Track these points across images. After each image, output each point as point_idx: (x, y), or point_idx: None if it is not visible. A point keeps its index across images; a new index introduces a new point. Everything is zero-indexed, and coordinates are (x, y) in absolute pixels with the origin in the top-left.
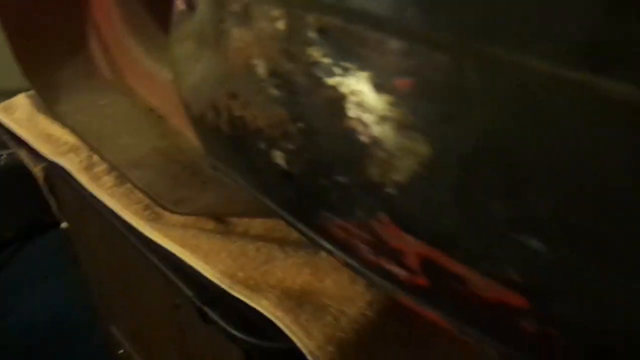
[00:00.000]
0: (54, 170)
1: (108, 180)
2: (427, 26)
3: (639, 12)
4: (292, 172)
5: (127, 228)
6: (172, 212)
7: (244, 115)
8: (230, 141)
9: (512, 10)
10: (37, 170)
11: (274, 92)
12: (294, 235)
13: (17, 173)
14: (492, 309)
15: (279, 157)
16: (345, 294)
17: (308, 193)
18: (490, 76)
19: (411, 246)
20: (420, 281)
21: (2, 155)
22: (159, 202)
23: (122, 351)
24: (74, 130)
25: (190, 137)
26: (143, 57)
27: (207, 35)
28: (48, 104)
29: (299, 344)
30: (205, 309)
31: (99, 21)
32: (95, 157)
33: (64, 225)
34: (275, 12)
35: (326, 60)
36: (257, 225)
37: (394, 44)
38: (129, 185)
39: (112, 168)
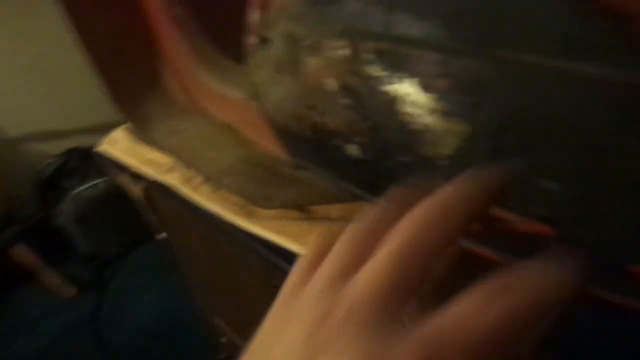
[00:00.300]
0: (155, 189)
1: (205, 189)
2: (452, 41)
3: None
4: (366, 159)
5: (227, 226)
6: (263, 207)
7: (323, 122)
8: (312, 143)
9: (507, 21)
10: (138, 191)
11: (345, 101)
12: None
13: (113, 198)
14: (528, 239)
15: (353, 149)
16: None
17: (380, 173)
18: (501, 72)
19: None
20: (473, 227)
21: (99, 183)
22: (251, 200)
23: (224, 339)
24: (169, 153)
25: (263, 144)
26: (211, 81)
27: (284, 64)
28: (144, 132)
29: None
30: None
31: (168, 54)
32: (191, 172)
33: (162, 236)
34: (340, 43)
35: (384, 74)
36: (335, 210)
37: (431, 56)
38: (223, 190)
39: (207, 179)
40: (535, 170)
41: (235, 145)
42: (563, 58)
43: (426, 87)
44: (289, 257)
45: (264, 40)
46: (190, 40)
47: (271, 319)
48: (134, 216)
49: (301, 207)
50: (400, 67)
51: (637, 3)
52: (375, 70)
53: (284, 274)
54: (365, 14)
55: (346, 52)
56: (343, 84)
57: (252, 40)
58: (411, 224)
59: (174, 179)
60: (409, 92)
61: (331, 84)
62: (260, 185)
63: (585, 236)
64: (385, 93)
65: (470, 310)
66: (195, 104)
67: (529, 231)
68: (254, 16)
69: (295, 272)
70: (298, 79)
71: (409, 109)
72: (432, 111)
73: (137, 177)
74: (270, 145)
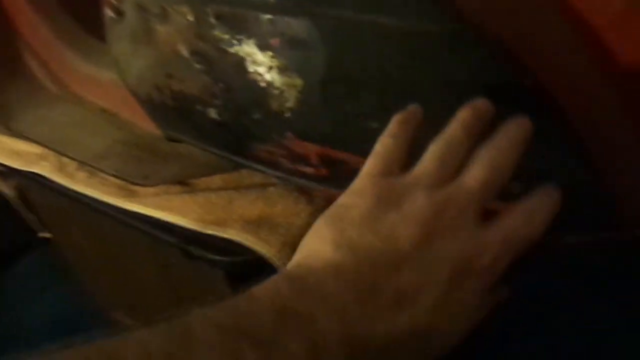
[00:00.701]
0: (28, 183)
1: (81, 175)
2: (278, 1)
3: None
4: (223, 121)
5: (109, 210)
6: (144, 185)
7: (181, 89)
8: (176, 112)
9: None
10: (10, 190)
11: (197, 66)
12: (248, 180)
13: None
14: None
15: (212, 113)
16: (292, 211)
17: (238, 133)
18: (320, 27)
19: (310, 149)
20: (323, 172)
21: None
22: (130, 180)
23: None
24: (37, 142)
25: (141, 125)
26: (81, 64)
27: (138, 34)
28: (8, 123)
29: (262, 252)
30: (189, 247)
31: (30, 41)
32: (64, 159)
33: (45, 235)
34: (184, 9)
35: (226, 36)
36: (216, 180)
37: (264, 17)
38: (100, 174)
39: (82, 164)
40: (362, 113)
41: (112, 128)
42: (371, 13)
43: (263, 47)
44: (176, 232)
45: (120, 13)
46: (52, 23)
47: (363, 199)
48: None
49: (182, 182)
50: (239, 28)
51: None
52: (219, 34)
53: (173, 250)
54: None
55: (190, 17)
56: (194, 49)
57: (108, 13)
58: (495, 151)
59: (44, 169)
60: (250, 52)
61: (183, 50)
62: (140, 165)
63: None
64: (231, 55)
65: (518, 222)
66: (66, 90)
67: None
68: None
69: (375, 163)
70: (154, 48)
71: (252, 68)
72: (271, 68)
73: (6, 173)
74: (147, 124)
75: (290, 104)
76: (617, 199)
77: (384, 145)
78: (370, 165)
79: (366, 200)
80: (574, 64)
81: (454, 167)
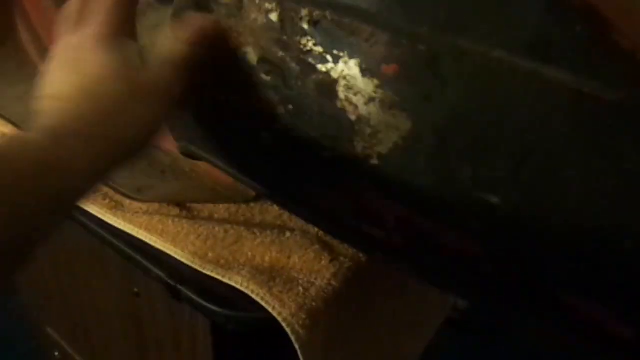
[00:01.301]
0: None
1: None
2: (408, 21)
3: (573, 13)
4: (277, 151)
5: (85, 218)
6: (135, 199)
7: (231, 100)
8: (211, 125)
9: (477, 9)
10: None
11: (265, 77)
12: (259, 217)
13: None
14: (456, 258)
15: (266, 139)
16: (312, 268)
17: (294, 169)
18: (459, 63)
19: (391, 209)
20: (395, 240)
21: None
22: (119, 190)
23: (57, 353)
24: (10, 121)
25: None
26: None
27: None
28: None
29: (274, 313)
30: (178, 286)
31: (28, 10)
32: None
33: None
34: (269, 5)
35: (319, 49)
36: (221, 210)
37: (381, 35)
38: None
39: None
40: (479, 180)
41: None
42: (529, 57)
43: (369, 71)
44: (164, 263)
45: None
46: None
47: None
48: None
49: (182, 204)
50: (341, 43)
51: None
52: (310, 44)
53: (155, 283)
54: None
55: (274, 17)
56: (266, 56)
57: None
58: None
59: None
60: (348, 75)
61: (252, 54)
62: (132, 174)
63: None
64: (320, 73)
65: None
66: None
67: (458, 250)
68: None
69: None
70: None
71: (344, 95)
72: (373, 100)
73: None
74: None
75: (382, 149)
76: None
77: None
78: None
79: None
80: None
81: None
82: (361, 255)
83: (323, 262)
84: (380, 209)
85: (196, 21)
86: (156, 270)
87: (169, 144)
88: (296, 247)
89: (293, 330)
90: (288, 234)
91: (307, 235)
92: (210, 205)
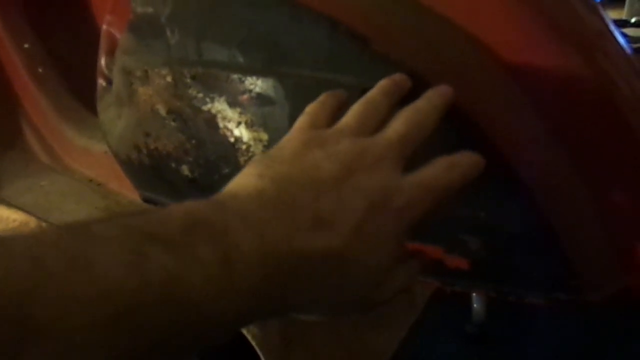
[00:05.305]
0: None
1: None
2: (247, 63)
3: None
4: (194, 177)
5: None
6: None
7: (157, 146)
8: (152, 170)
9: (289, 44)
10: None
11: (173, 124)
12: None
13: None
14: None
15: (185, 170)
16: None
17: (208, 189)
18: (284, 84)
19: None
20: None
21: None
22: None
23: None
24: (21, 209)
25: (127, 194)
26: (76, 137)
27: (122, 97)
28: None
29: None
30: None
31: (31, 114)
32: (45, 225)
33: None
34: (164, 71)
35: (200, 95)
36: None
37: (233, 76)
38: None
39: None
40: None
41: (97, 197)
42: (326, 71)
43: (232, 103)
44: None
45: (110, 81)
46: (54, 99)
47: (290, 142)
48: None
49: None
50: (212, 87)
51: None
52: (194, 92)
53: None
54: (182, 45)
55: (169, 79)
56: (170, 108)
57: (100, 83)
58: (414, 110)
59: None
60: (221, 109)
61: (161, 109)
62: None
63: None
64: (204, 111)
65: (437, 171)
66: (58, 161)
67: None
68: (101, 61)
69: (305, 119)
70: (135, 109)
71: (222, 124)
72: (239, 123)
73: None
74: (133, 194)
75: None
76: (573, 259)
77: (312, 107)
78: (299, 122)
79: (293, 143)
80: None
81: (375, 122)
82: None
83: None
84: None
85: None
86: None
87: (133, 193)
88: None
89: (248, 330)
90: None
91: None
92: None
